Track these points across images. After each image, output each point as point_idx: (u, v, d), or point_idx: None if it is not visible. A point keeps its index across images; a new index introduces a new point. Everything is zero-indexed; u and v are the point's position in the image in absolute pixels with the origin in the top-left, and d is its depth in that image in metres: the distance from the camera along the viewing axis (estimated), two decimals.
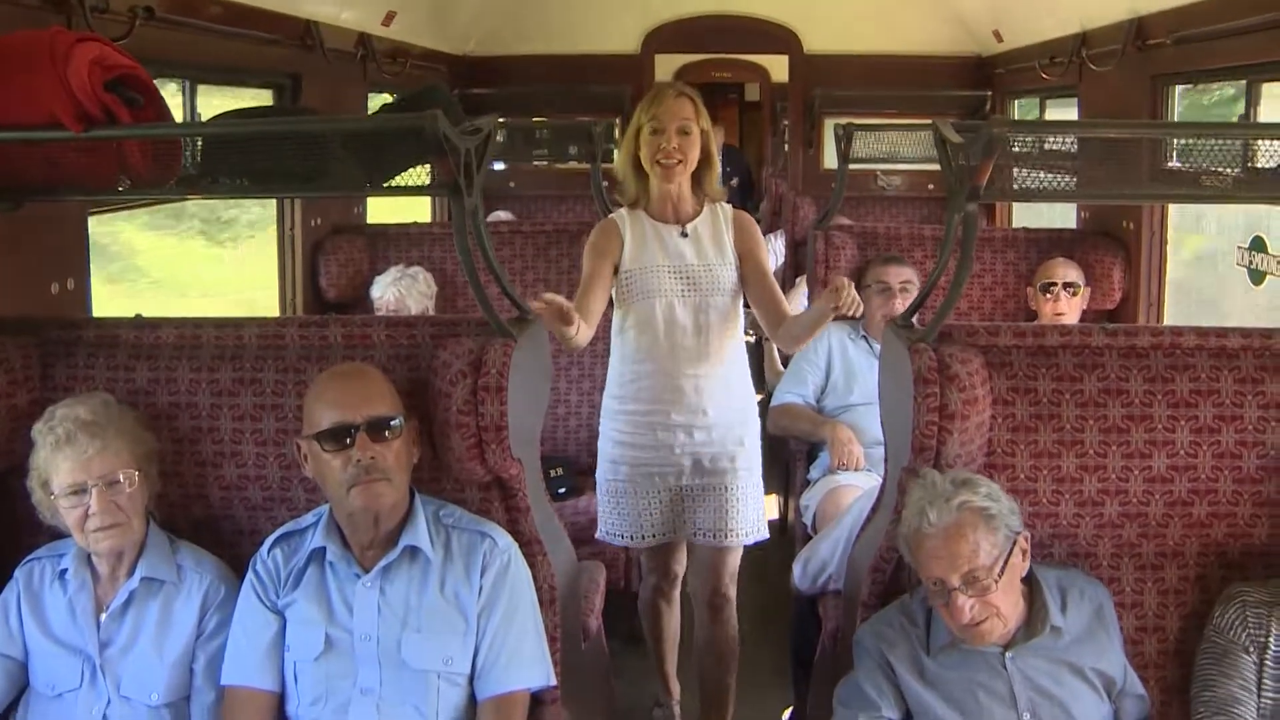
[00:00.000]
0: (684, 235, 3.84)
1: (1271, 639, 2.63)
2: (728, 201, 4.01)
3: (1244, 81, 4.33)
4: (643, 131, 3.79)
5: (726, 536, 3.89)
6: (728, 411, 3.86)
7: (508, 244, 5.27)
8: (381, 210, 6.20)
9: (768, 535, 3.98)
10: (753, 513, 3.92)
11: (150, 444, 2.79)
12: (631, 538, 3.93)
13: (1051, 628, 2.65)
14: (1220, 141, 3.17)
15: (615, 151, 7.80)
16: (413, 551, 2.69)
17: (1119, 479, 2.86)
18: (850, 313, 3.41)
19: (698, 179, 3.87)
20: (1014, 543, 2.61)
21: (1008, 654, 2.64)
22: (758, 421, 4.00)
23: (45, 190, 2.88)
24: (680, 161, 3.78)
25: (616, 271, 3.84)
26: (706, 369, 3.81)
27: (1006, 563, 2.59)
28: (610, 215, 3.97)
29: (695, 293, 3.79)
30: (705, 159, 3.85)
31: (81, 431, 2.63)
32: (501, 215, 6.97)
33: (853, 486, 4.29)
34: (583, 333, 3.55)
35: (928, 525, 2.60)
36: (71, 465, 2.62)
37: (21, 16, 2.95)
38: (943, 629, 2.67)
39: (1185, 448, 2.84)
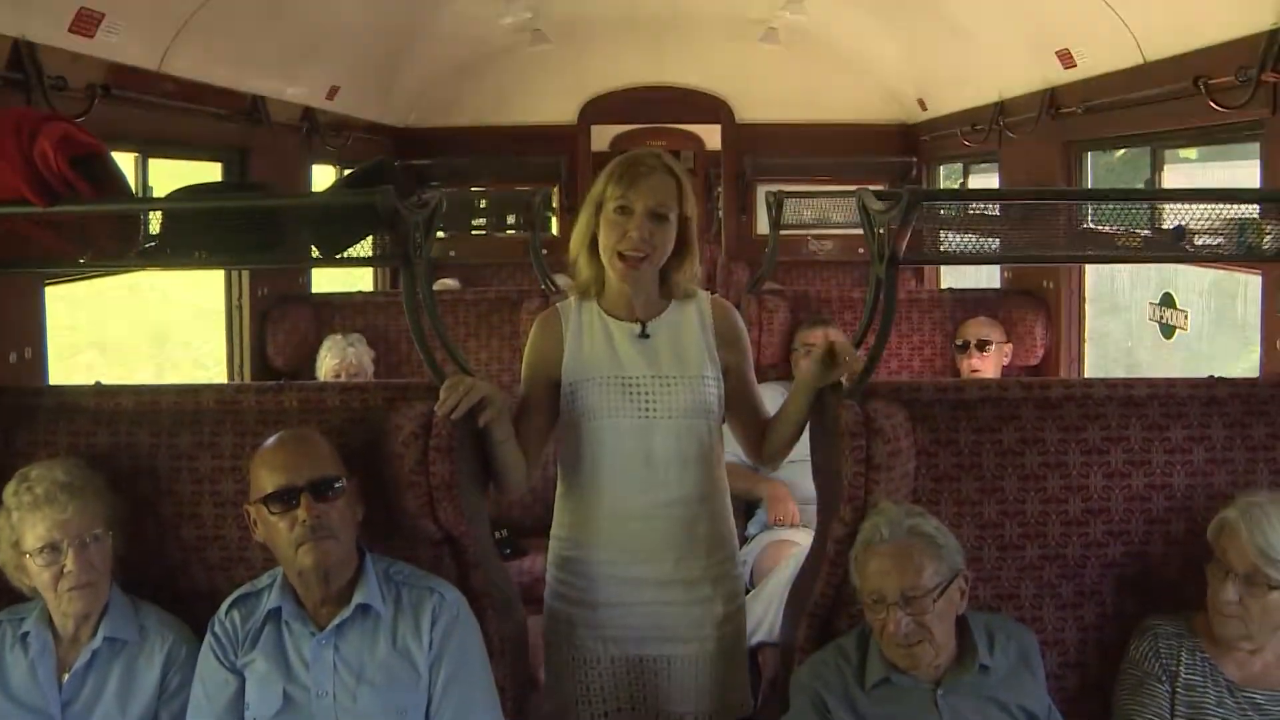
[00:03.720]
0: (643, 336, 3.11)
1: (1182, 667, 2.79)
2: None
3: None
4: (605, 209, 3.01)
5: None
6: (702, 562, 3.12)
7: (451, 311, 5.37)
8: (325, 279, 6.30)
9: (750, 710, 3.27)
10: (737, 690, 3.21)
11: (120, 506, 2.86)
12: (576, 715, 3.17)
13: (980, 666, 2.77)
14: (1129, 206, 3.37)
15: (552, 220, 8.03)
16: (365, 609, 2.77)
17: (1038, 523, 3.02)
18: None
19: (666, 273, 3.11)
20: (955, 577, 2.74)
21: (939, 690, 2.76)
22: (742, 574, 3.32)
23: (7, 263, 2.98)
24: (647, 257, 3.00)
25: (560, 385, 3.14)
26: (671, 510, 3.09)
27: (944, 592, 2.72)
28: (555, 306, 3.22)
29: (653, 412, 3.06)
30: (683, 248, 3.08)
31: (61, 492, 2.71)
32: (450, 284, 7.09)
33: (789, 541, 4.41)
34: (517, 472, 3.10)
35: (879, 540, 2.74)
36: (49, 524, 2.70)
37: None
38: (878, 665, 2.78)
39: (1098, 492, 3.01)
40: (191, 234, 2.95)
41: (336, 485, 2.75)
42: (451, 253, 7.96)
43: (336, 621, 2.76)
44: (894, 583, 2.70)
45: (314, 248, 3.04)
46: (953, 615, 2.77)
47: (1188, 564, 2.97)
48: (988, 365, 5.22)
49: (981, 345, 5.22)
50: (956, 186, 7.26)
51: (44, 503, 2.70)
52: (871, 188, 3.05)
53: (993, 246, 3.48)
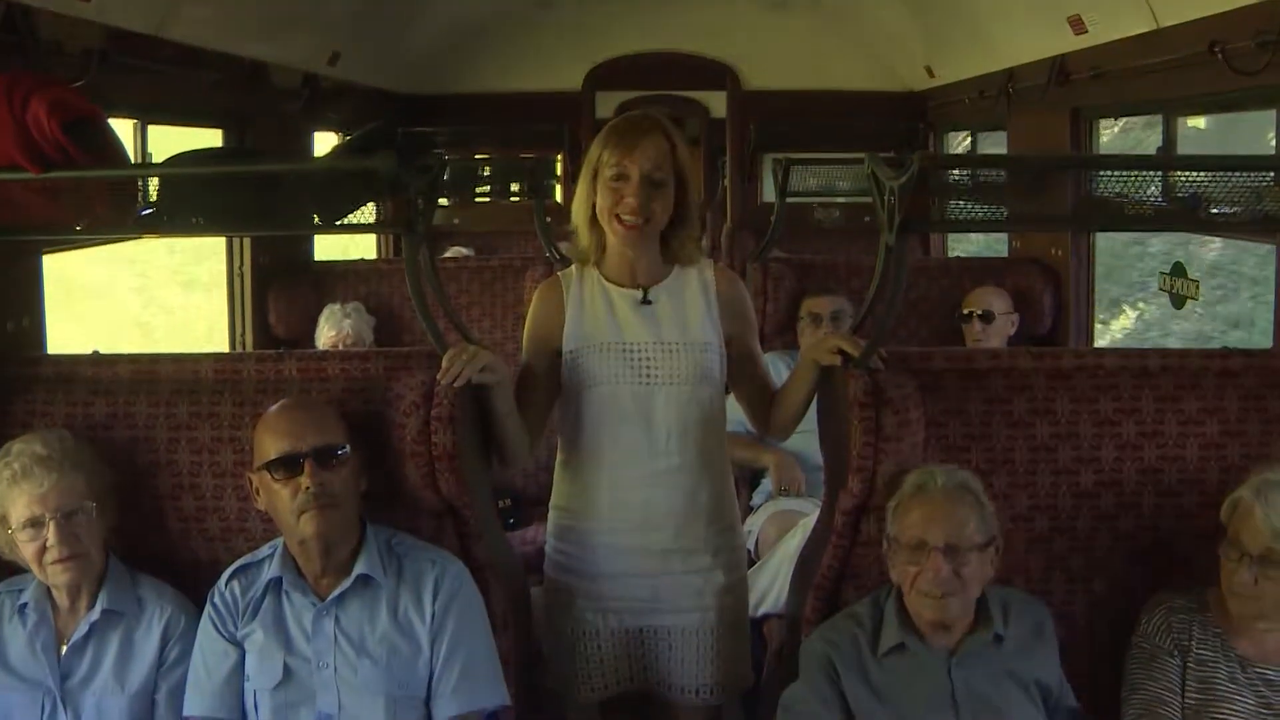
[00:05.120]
0: (645, 302, 3.08)
1: (1194, 642, 2.76)
2: None
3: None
4: (601, 175, 2.98)
5: (697, 693, 3.13)
6: (702, 532, 3.10)
7: (454, 279, 5.33)
8: (329, 246, 6.27)
9: (752, 682, 3.28)
10: (739, 661, 3.19)
11: (108, 476, 2.83)
12: (577, 688, 3.15)
13: (995, 635, 2.75)
14: (1141, 173, 3.31)
15: (555, 187, 7.99)
16: (366, 579, 2.75)
17: (1048, 495, 2.98)
18: None
19: (666, 238, 3.08)
20: (991, 541, 2.73)
21: (953, 659, 2.74)
22: (743, 544, 3.32)
23: (3, 230, 2.94)
24: (647, 220, 2.97)
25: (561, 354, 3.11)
26: (671, 479, 3.06)
27: (983, 550, 2.70)
28: (557, 274, 3.20)
29: (652, 380, 3.03)
30: (681, 214, 3.04)
31: (38, 465, 2.69)
32: (463, 251, 7.05)
33: (795, 511, 4.36)
34: (520, 443, 3.09)
35: (933, 484, 2.73)
36: (28, 499, 2.67)
37: None
38: (893, 630, 2.76)
39: (1110, 464, 2.97)
40: (189, 200, 2.91)
41: (340, 453, 2.73)
42: (456, 220, 7.92)
43: (337, 592, 2.74)
44: (940, 530, 2.68)
45: (314, 214, 3.00)
46: (981, 581, 2.74)
47: (1200, 537, 2.93)
48: (992, 336, 5.14)
49: (986, 316, 5.14)
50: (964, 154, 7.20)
51: (22, 477, 2.68)
52: (880, 155, 3.00)
53: (1002, 214, 3.43)
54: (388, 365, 3.02)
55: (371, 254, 7.12)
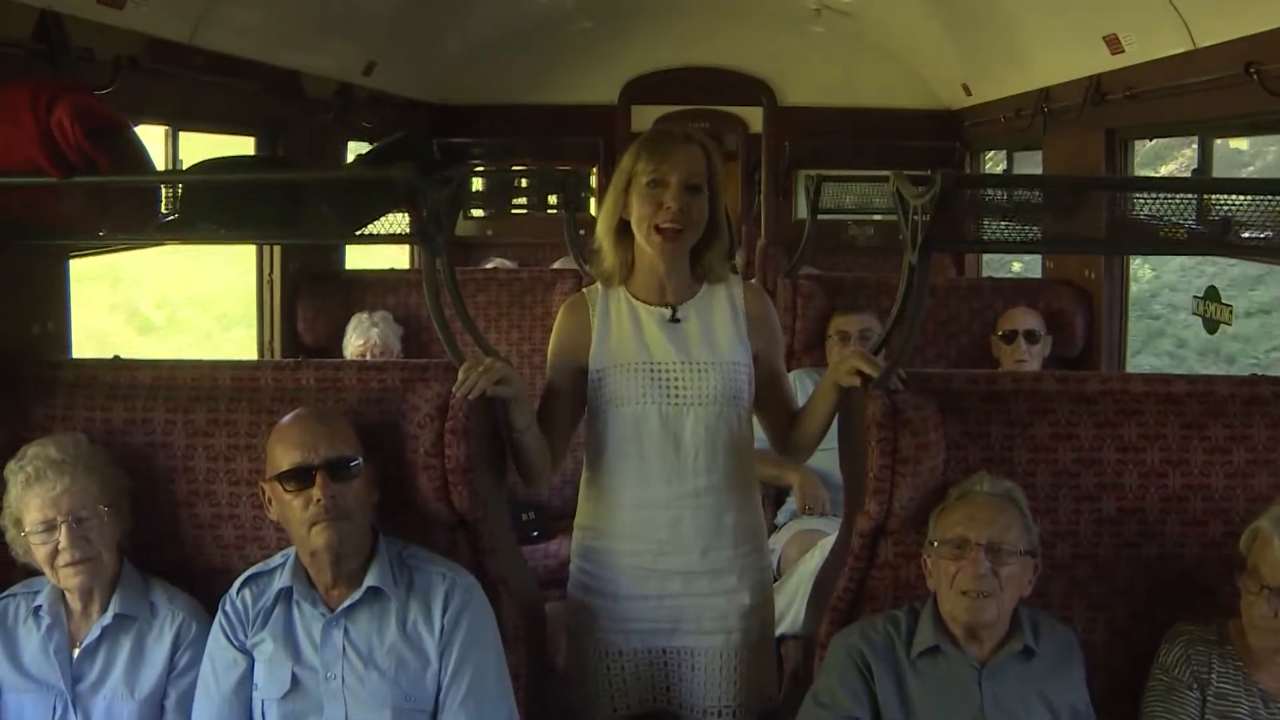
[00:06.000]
0: (674, 320, 3.04)
1: (1214, 676, 2.70)
2: None
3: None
4: (636, 184, 2.94)
5: (720, 715, 3.09)
6: (729, 554, 3.06)
7: (483, 290, 5.32)
8: (362, 255, 6.28)
9: (776, 703, 3.24)
10: (763, 683, 3.17)
11: (122, 481, 2.84)
12: (599, 707, 3.11)
13: (1025, 648, 2.72)
14: (1174, 196, 3.26)
15: (590, 200, 7.99)
16: (376, 591, 2.74)
17: (1069, 521, 2.94)
18: None
19: (697, 255, 3.05)
20: (1032, 553, 2.71)
21: (984, 671, 2.70)
22: (770, 564, 3.28)
23: (25, 234, 2.96)
24: (684, 229, 2.93)
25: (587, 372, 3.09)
26: (699, 500, 3.02)
27: (1022, 557, 2.68)
28: (583, 291, 3.16)
29: (681, 400, 3.00)
30: (714, 229, 3.02)
31: (50, 469, 2.70)
32: (507, 263, 7.05)
33: (818, 531, 4.33)
34: (541, 460, 3.05)
35: (981, 488, 2.74)
36: (41, 502, 2.68)
37: (8, 65, 3.02)
38: (929, 633, 2.73)
39: (1133, 491, 2.92)
40: (209, 208, 2.92)
41: (353, 465, 2.71)
42: (489, 231, 7.94)
43: (347, 603, 2.73)
44: (983, 529, 2.67)
45: (334, 223, 3.01)
46: (1017, 591, 2.71)
47: (1224, 568, 2.87)
48: (1035, 357, 5.04)
49: (1031, 335, 5.05)
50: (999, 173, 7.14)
51: (34, 480, 2.69)
52: (909, 172, 2.96)
53: (1032, 235, 3.39)
54: (404, 376, 3.01)
55: (406, 263, 7.13)
